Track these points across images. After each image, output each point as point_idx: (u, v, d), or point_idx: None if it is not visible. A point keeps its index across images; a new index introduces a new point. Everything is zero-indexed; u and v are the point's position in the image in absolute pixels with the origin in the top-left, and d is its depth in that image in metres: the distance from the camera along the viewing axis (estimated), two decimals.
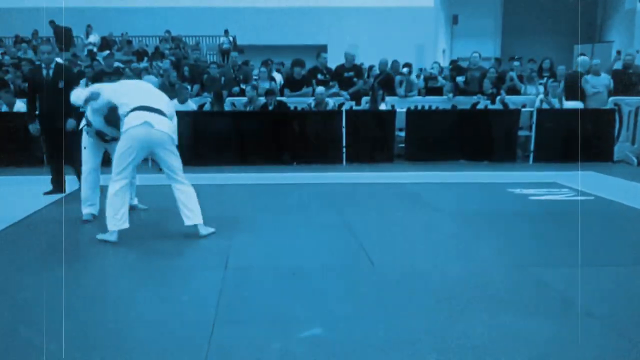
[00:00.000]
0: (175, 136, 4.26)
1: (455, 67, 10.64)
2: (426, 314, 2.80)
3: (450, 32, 20.75)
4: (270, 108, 8.41)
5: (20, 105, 8.34)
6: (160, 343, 2.48)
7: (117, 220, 4.03)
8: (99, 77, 8.33)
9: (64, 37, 14.23)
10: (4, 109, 8.39)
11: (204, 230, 4.27)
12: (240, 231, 4.41)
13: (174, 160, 4.18)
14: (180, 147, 4.20)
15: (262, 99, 8.61)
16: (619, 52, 11.65)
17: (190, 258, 3.79)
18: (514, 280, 3.33)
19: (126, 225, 4.07)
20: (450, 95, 9.20)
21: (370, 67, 10.46)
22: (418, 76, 10.57)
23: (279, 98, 8.68)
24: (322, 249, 3.97)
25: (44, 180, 5.92)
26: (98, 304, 2.96)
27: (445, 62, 15.59)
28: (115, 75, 8.53)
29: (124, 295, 3.08)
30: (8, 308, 2.89)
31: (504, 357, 2.35)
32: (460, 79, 9.38)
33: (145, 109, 4.10)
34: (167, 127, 4.13)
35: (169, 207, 5.23)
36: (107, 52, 12.24)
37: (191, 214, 4.21)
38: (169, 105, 4.42)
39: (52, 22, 14.85)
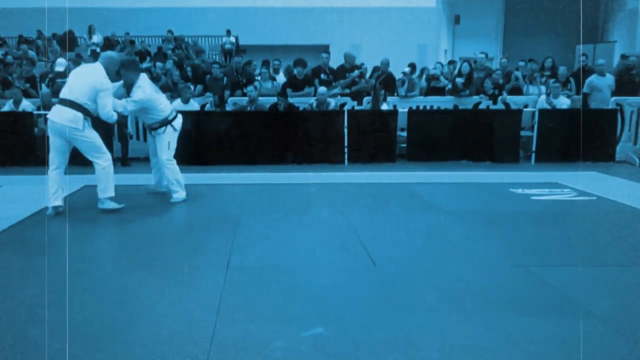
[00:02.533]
0: (78, 123, 4.67)
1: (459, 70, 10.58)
2: (427, 314, 2.81)
3: (452, 32, 20.73)
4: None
5: (26, 104, 8.39)
6: (162, 342, 2.49)
7: (50, 197, 4.80)
8: None
9: (67, 41, 14.18)
10: (7, 108, 8.41)
11: (101, 205, 4.92)
12: (242, 230, 4.42)
13: (81, 144, 4.80)
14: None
15: (265, 99, 8.62)
16: (622, 56, 11.33)
17: (192, 257, 3.80)
18: (515, 279, 3.34)
19: (57, 203, 4.81)
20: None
21: (375, 68, 10.44)
22: (420, 76, 10.55)
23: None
24: (324, 249, 3.98)
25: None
26: (99, 302, 2.97)
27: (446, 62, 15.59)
28: None
29: (126, 294, 3.09)
30: (11, 306, 2.91)
31: (505, 356, 2.36)
32: (459, 80, 9.37)
33: (59, 102, 4.74)
34: (65, 119, 4.65)
35: (170, 206, 5.28)
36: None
37: (99, 188, 4.91)
38: (94, 87, 4.71)
39: (53, 36, 14.49)
